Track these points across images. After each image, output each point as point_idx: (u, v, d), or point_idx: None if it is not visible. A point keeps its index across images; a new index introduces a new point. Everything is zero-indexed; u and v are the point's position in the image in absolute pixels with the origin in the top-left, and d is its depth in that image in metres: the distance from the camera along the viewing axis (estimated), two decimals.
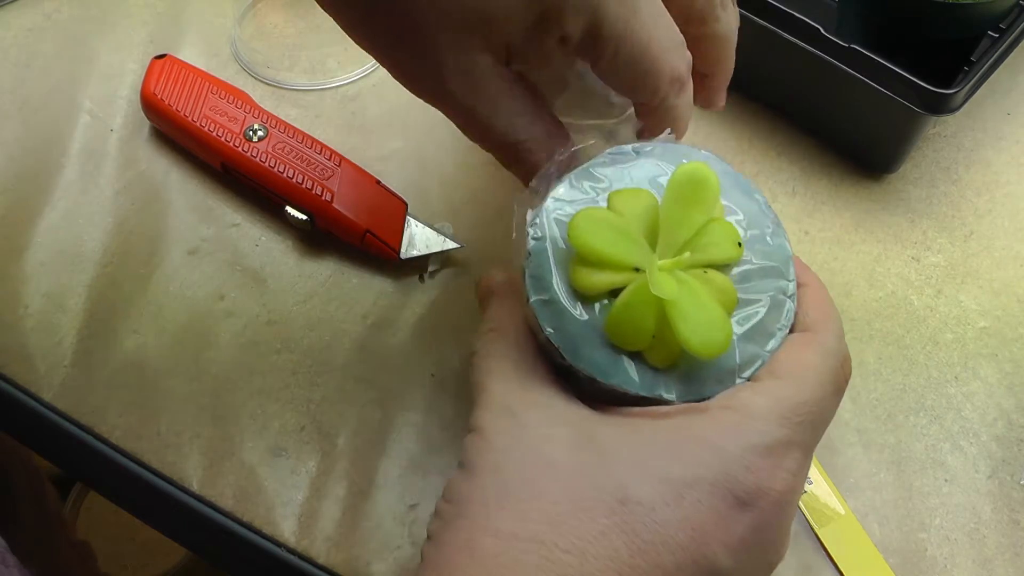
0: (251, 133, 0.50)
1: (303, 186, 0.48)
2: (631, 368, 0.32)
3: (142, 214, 0.51)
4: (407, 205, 0.49)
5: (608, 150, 0.35)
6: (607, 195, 0.34)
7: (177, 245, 0.50)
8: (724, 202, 0.35)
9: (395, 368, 0.47)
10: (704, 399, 0.32)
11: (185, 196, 0.51)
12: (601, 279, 0.32)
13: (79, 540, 0.72)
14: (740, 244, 0.33)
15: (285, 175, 0.48)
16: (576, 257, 0.32)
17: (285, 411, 0.45)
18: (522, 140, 0.36)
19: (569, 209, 0.33)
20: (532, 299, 0.32)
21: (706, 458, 0.30)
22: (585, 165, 0.35)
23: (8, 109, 0.54)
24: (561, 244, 0.33)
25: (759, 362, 0.32)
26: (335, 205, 0.48)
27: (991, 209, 0.53)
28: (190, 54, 0.56)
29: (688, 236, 0.33)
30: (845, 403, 0.46)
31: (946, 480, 0.44)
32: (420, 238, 0.49)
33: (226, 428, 0.45)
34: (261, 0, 0.60)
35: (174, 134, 0.52)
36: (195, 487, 0.43)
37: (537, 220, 0.33)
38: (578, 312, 0.32)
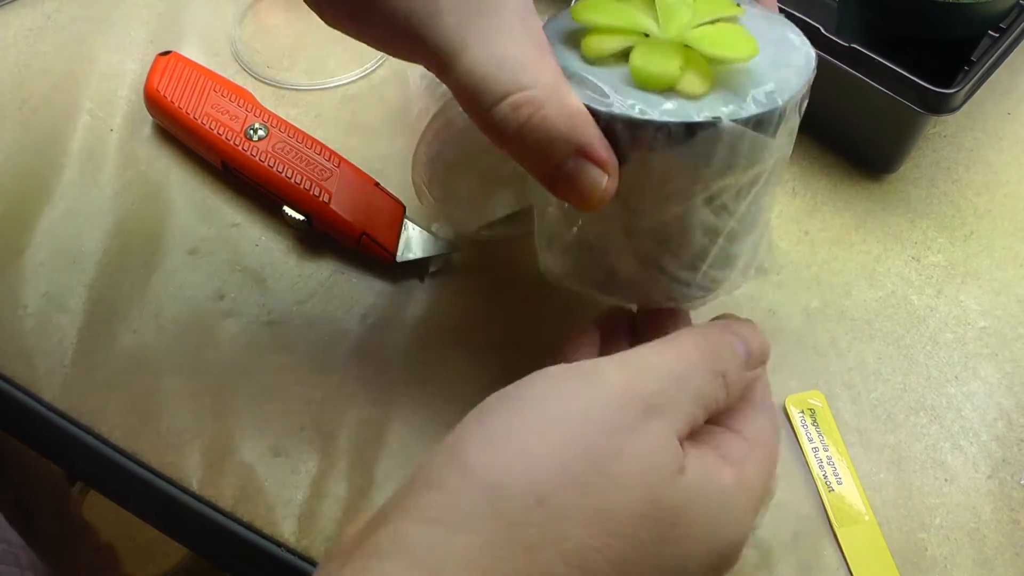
0: (252, 132, 0.50)
1: (301, 187, 0.48)
2: (667, 102, 0.32)
3: (142, 214, 0.51)
4: (405, 208, 0.49)
5: None
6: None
7: (177, 245, 0.50)
8: None
9: (395, 368, 0.47)
10: (750, 118, 0.32)
11: (185, 196, 0.51)
12: (613, 42, 0.33)
13: (103, 544, 0.72)
14: (738, 4, 0.35)
15: (284, 175, 0.48)
16: (585, 32, 0.33)
17: (285, 411, 0.45)
18: None
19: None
20: None
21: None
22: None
23: (8, 109, 0.54)
24: (566, 41, 0.34)
25: (796, 83, 0.33)
26: (332, 207, 0.48)
27: (991, 209, 0.53)
28: (190, 54, 0.56)
29: (686, 7, 0.34)
30: (845, 403, 0.46)
31: (946, 480, 0.44)
32: (416, 241, 0.49)
33: (226, 428, 0.45)
34: (261, 0, 0.60)
35: (176, 131, 0.52)
36: (195, 487, 0.43)
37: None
38: (597, 74, 0.33)
